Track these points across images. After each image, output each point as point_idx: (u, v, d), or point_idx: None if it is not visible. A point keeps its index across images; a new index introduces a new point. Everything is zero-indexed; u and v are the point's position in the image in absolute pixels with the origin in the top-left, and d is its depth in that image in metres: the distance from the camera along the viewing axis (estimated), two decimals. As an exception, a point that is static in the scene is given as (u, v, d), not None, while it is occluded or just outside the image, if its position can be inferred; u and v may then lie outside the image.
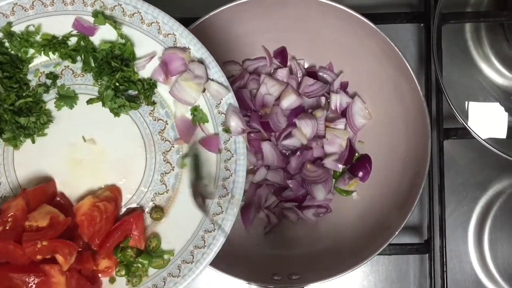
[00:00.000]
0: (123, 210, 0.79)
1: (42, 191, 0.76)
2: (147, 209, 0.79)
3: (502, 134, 0.93)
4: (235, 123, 0.77)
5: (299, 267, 0.88)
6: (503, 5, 0.96)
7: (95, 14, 0.73)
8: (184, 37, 0.75)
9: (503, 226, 0.99)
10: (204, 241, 0.76)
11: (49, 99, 0.77)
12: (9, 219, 0.71)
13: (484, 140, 0.88)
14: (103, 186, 0.78)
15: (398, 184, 0.90)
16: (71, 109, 0.77)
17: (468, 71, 0.98)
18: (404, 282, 1.00)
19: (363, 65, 0.93)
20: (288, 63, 0.98)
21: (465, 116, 0.91)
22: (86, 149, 0.78)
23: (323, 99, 0.96)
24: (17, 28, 0.74)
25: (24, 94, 0.76)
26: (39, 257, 0.70)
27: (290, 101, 0.93)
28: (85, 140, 0.78)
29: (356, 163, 0.97)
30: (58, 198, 0.77)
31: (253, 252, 0.92)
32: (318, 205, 0.95)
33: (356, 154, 0.97)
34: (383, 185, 0.93)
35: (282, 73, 0.96)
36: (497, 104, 0.95)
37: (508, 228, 0.99)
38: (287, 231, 0.95)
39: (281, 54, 0.97)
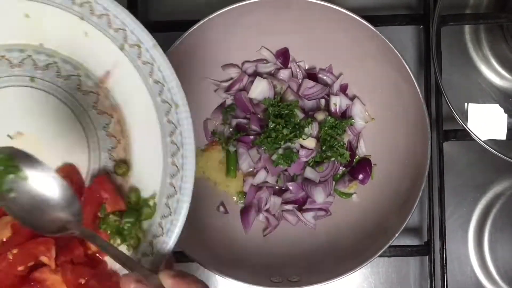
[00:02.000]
0: (88, 182, 0.73)
1: None
2: (111, 169, 0.73)
3: (502, 135, 0.93)
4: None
5: (299, 270, 0.88)
6: (503, 6, 0.96)
7: None
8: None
9: (503, 227, 0.99)
10: (177, 166, 0.69)
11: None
12: None
13: (483, 141, 0.88)
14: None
15: (398, 186, 0.90)
16: None
17: (467, 72, 0.98)
18: (404, 284, 1.00)
19: (363, 67, 0.93)
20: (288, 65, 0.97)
21: (465, 117, 0.91)
22: (20, 143, 0.71)
23: (323, 102, 0.96)
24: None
25: None
26: (21, 268, 0.65)
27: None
28: (11, 138, 0.72)
29: (356, 165, 0.96)
30: None
31: (252, 254, 0.92)
32: (318, 208, 0.95)
33: (357, 157, 0.97)
34: (383, 187, 0.93)
35: (284, 74, 0.96)
36: (497, 105, 0.95)
37: (508, 229, 0.99)
38: (287, 233, 0.95)
39: (283, 55, 0.96)
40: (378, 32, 0.84)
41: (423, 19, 0.96)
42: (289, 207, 0.94)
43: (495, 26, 0.97)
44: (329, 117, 0.93)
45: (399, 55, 0.84)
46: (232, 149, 0.95)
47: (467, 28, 0.98)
